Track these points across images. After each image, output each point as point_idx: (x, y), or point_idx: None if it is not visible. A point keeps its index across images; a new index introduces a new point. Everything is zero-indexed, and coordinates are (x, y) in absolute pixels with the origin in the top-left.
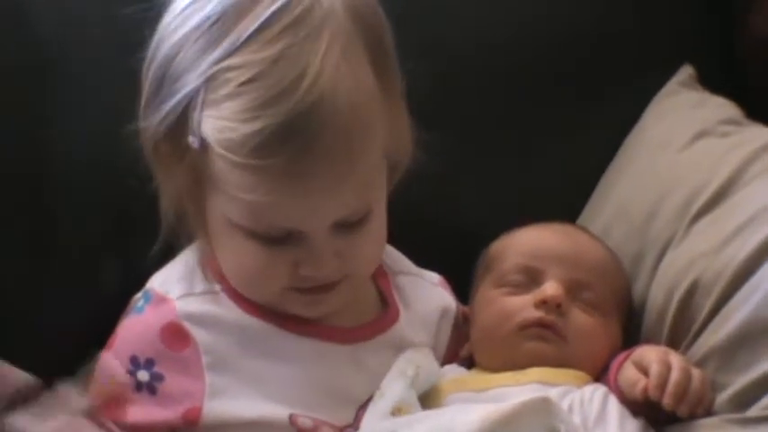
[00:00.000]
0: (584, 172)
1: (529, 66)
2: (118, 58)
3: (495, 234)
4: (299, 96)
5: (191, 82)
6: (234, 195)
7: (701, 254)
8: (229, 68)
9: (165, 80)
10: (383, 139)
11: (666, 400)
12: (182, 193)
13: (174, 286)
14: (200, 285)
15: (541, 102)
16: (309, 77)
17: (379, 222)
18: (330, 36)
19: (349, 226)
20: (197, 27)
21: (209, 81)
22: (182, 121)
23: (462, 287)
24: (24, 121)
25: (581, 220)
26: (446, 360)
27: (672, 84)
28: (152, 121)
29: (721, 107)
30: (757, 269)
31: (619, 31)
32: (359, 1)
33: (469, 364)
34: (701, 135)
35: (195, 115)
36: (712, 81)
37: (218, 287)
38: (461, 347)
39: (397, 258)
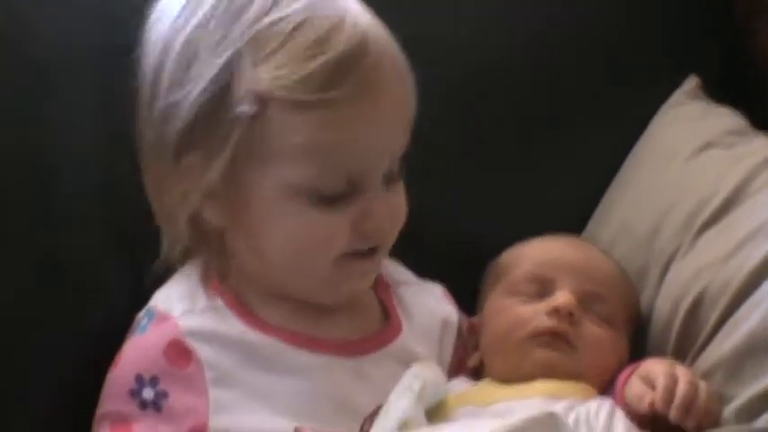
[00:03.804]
0: (588, 184)
1: (533, 79)
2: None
3: (498, 247)
4: (348, 32)
5: (230, 45)
6: (298, 147)
7: (706, 265)
8: (272, 24)
9: (195, 64)
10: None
11: (674, 413)
12: (211, 192)
13: (176, 304)
14: (201, 301)
15: (546, 113)
16: (350, 16)
17: (402, 186)
18: None
19: (391, 178)
20: (214, 8)
21: (252, 42)
22: (216, 105)
23: (464, 299)
24: (24, 139)
25: (586, 232)
26: (452, 371)
27: (677, 95)
28: (178, 113)
29: (727, 118)
30: (764, 280)
31: (623, 43)
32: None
33: (478, 374)
34: (706, 146)
35: (244, 79)
36: (718, 91)
37: (220, 302)
38: (467, 357)
39: (398, 270)
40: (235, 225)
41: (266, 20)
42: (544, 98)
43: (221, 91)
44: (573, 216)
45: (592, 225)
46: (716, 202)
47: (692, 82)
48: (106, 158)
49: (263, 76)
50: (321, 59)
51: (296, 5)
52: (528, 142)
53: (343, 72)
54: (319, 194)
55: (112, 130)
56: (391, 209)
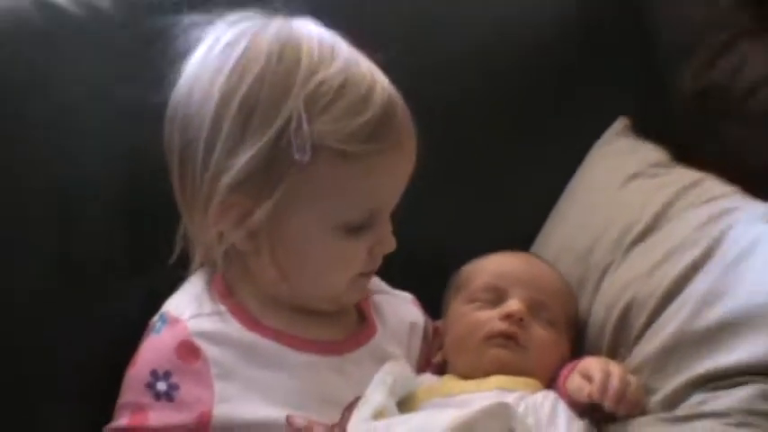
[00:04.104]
0: (535, 208)
1: (491, 119)
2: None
3: (458, 261)
4: (380, 91)
5: (290, 105)
6: (341, 190)
7: (634, 278)
8: (321, 83)
9: (254, 119)
10: None
11: (608, 403)
12: (252, 232)
13: (185, 309)
14: (207, 307)
15: (500, 150)
16: (377, 77)
17: None
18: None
19: None
20: (264, 70)
21: (306, 100)
22: (272, 155)
23: (430, 306)
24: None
25: (534, 248)
26: (419, 367)
27: (609, 133)
28: (235, 164)
29: (651, 152)
30: (682, 290)
31: (566, 90)
32: None
33: (442, 369)
34: (634, 177)
35: (302, 131)
36: (644, 129)
37: (223, 308)
38: (433, 355)
39: (373, 281)
40: (264, 251)
41: (315, 79)
42: (497, 139)
43: (278, 143)
44: (522, 234)
45: (538, 242)
46: (642, 224)
47: (621, 123)
48: (122, 175)
49: (318, 129)
50: (365, 116)
51: (335, 66)
52: (485, 173)
53: (381, 128)
54: (348, 227)
55: (129, 149)
56: (392, 235)
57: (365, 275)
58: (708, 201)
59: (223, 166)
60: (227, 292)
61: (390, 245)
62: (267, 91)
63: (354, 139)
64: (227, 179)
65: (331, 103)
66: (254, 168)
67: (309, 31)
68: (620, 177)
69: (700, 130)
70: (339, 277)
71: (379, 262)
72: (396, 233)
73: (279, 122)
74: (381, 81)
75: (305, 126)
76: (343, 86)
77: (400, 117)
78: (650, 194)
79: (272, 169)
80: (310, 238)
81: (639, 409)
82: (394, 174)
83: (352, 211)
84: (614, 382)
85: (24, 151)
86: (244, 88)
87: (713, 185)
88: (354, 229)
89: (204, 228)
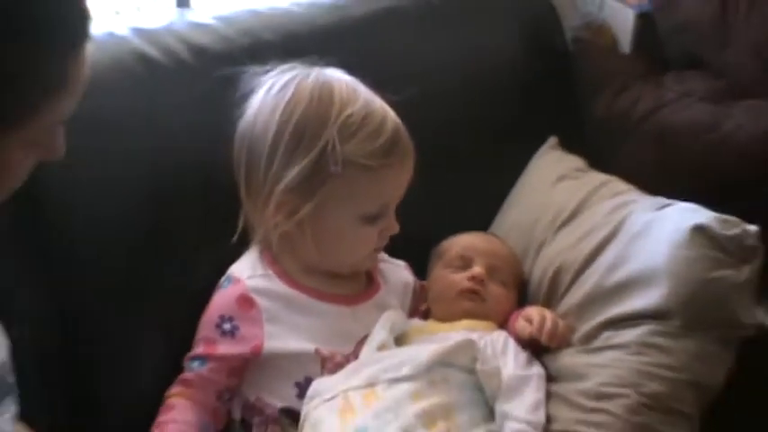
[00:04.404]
0: (493, 201)
1: (463, 140)
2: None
3: (438, 238)
4: (390, 122)
5: (328, 133)
6: (364, 193)
7: (562, 250)
8: (349, 116)
9: (302, 142)
10: None
11: (543, 339)
12: (299, 222)
13: (244, 271)
14: (260, 270)
15: (469, 162)
16: (387, 112)
17: None
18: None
19: None
20: (308, 107)
21: (339, 129)
22: (316, 168)
23: (418, 269)
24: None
25: (491, 229)
26: (410, 314)
27: (544, 148)
28: (288, 174)
29: (574, 161)
30: (596, 258)
31: (514, 119)
32: None
33: (426, 315)
34: (561, 178)
35: (336, 151)
36: (569, 145)
37: (270, 272)
38: (420, 305)
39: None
40: (307, 235)
41: (345, 114)
42: (468, 153)
43: (319, 160)
44: (483, 219)
45: (495, 224)
46: (567, 212)
47: (552, 140)
48: (201, 182)
49: (348, 150)
50: (380, 141)
51: (358, 104)
52: (458, 178)
53: (392, 148)
54: (367, 217)
55: (206, 163)
56: (396, 221)
57: (377, 250)
58: (614, 195)
59: (279, 176)
60: (273, 260)
61: (395, 228)
62: (311, 123)
63: (373, 157)
64: (282, 185)
65: (357, 131)
66: (302, 177)
67: (339, 77)
68: (552, 179)
69: (608, 146)
70: (360, 252)
71: (386, 241)
72: (397, 220)
73: (320, 145)
74: (390, 113)
75: (338, 148)
76: (364, 118)
77: (404, 140)
78: (573, 191)
79: (315, 178)
80: (341, 226)
81: (566, 344)
82: (398, 180)
83: (370, 206)
84: (548, 324)
85: (130, 169)
86: (294, 121)
87: (618, 185)
88: (371, 219)
89: (263, 219)
